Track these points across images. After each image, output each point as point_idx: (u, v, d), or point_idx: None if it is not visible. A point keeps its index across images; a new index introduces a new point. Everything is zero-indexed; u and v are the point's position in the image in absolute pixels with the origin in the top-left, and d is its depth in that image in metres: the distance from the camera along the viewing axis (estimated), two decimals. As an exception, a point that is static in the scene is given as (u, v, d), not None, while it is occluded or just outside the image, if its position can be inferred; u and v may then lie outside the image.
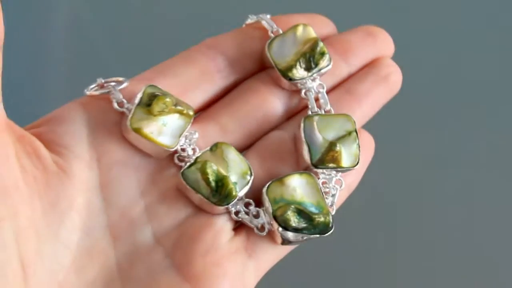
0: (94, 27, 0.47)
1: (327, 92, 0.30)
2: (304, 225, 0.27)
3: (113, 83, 0.28)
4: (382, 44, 0.31)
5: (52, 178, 0.25)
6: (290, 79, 0.29)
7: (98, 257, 0.26)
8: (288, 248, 0.28)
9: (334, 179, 0.29)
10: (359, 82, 0.30)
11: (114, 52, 0.46)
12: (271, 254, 0.27)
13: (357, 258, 0.43)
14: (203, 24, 0.44)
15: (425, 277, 0.42)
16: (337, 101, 0.30)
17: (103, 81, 0.28)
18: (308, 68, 0.30)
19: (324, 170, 0.28)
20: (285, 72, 0.29)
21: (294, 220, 0.27)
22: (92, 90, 0.28)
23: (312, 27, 0.31)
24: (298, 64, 0.30)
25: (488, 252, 0.43)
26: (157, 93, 0.27)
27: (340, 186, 0.29)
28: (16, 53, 0.46)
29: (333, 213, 0.28)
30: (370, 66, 0.31)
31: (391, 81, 0.31)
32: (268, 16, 0.31)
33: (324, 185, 0.28)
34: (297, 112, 0.30)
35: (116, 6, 0.48)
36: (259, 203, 0.28)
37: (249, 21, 0.31)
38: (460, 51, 0.48)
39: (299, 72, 0.29)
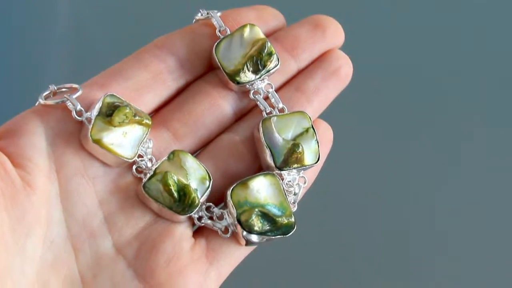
0: (93, 25, 0.45)
1: (277, 90, 0.31)
2: (268, 227, 0.28)
3: (65, 89, 0.28)
4: (331, 36, 0.31)
5: (19, 192, 0.26)
6: (238, 83, 0.30)
7: (61, 269, 0.26)
8: (248, 251, 0.29)
9: (297, 178, 0.30)
10: (309, 78, 0.31)
11: (113, 50, 0.45)
12: (231, 259, 0.28)
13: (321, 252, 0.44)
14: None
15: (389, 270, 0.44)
16: (288, 100, 0.30)
17: (55, 88, 0.28)
18: (255, 71, 0.30)
19: (288, 171, 0.29)
20: (233, 76, 0.30)
21: (258, 225, 0.28)
22: (45, 98, 0.28)
23: (261, 20, 0.31)
24: (245, 67, 0.30)
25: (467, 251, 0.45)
26: (117, 103, 0.27)
27: (304, 183, 0.30)
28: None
29: (295, 209, 0.29)
30: (319, 60, 0.31)
31: (341, 74, 0.31)
32: (219, 14, 0.31)
33: (289, 183, 0.29)
34: (246, 112, 0.31)
35: (116, 4, 0.47)
36: (217, 204, 0.29)
37: (199, 15, 0.31)
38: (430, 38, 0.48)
39: (246, 75, 0.30)
